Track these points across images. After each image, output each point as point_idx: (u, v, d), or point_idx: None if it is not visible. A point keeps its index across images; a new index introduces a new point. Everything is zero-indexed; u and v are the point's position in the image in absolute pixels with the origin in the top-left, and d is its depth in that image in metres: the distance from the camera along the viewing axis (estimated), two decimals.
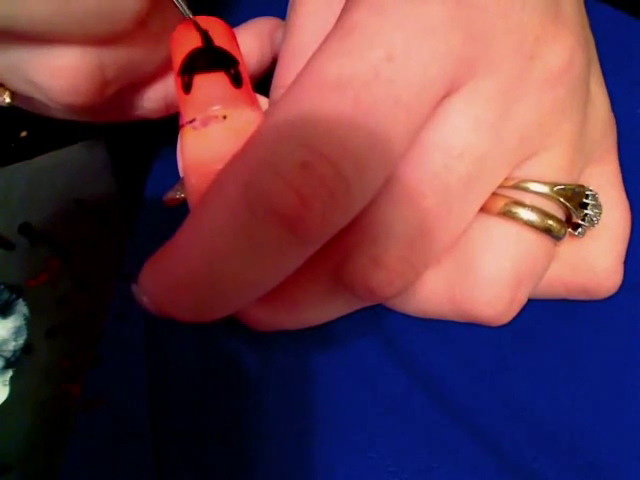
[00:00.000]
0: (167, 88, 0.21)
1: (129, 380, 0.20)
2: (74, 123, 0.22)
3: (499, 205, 0.16)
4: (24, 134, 0.31)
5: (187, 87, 0.15)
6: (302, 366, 0.19)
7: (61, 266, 0.30)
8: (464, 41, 0.14)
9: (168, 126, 0.20)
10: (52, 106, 0.18)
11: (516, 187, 0.16)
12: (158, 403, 0.19)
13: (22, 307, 0.29)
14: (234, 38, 0.16)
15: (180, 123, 0.15)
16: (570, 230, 0.17)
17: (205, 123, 0.14)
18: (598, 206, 0.17)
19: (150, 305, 0.13)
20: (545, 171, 0.16)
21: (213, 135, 0.14)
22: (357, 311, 0.18)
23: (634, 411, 0.18)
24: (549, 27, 0.15)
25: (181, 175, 0.16)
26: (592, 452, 0.18)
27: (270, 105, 0.18)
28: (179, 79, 0.15)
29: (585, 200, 0.17)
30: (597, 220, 0.17)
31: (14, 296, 0.29)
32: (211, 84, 0.15)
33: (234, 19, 0.20)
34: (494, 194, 0.16)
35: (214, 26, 0.16)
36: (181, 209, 0.16)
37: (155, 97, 0.21)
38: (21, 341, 0.28)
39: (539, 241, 0.16)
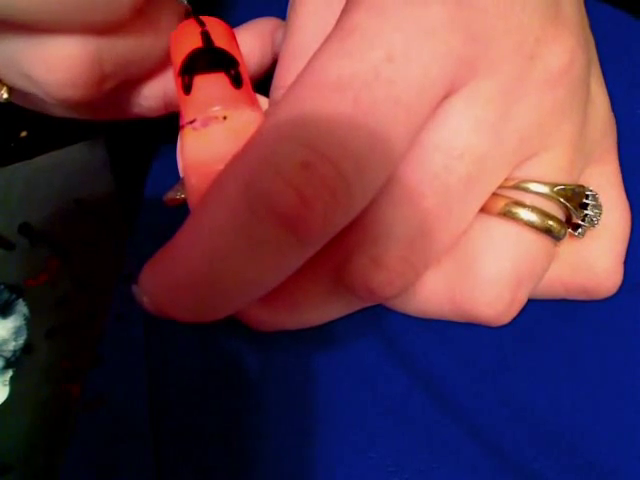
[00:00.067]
0: (166, 86, 0.21)
1: (129, 380, 0.20)
2: (74, 123, 0.22)
3: (499, 205, 0.16)
4: (24, 134, 0.31)
5: (187, 88, 0.15)
6: (302, 366, 0.19)
7: (61, 266, 0.30)
8: (464, 42, 0.14)
9: (168, 126, 0.20)
10: (50, 101, 0.18)
11: (516, 187, 0.16)
12: (158, 403, 0.19)
13: (22, 307, 0.29)
14: (234, 38, 0.16)
15: (180, 123, 0.15)
16: (570, 230, 0.17)
17: (205, 124, 0.14)
18: (598, 206, 0.17)
19: (150, 305, 0.13)
20: (545, 171, 0.16)
21: (213, 135, 0.14)
22: (357, 311, 0.18)
23: (634, 411, 0.18)
24: (549, 28, 0.15)
25: (181, 175, 0.16)
26: (592, 452, 0.18)
27: (270, 105, 0.18)
28: (179, 80, 0.15)
29: (585, 200, 0.17)
30: (597, 220, 0.17)
31: (14, 296, 0.29)
32: (211, 85, 0.15)
33: (234, 19, 0.20)
34: (494, 194, 0.16)
35: (214, 26, 0.16)
36: (181, 209, 0.16)
37: (154, 95, 0.21)
38: (21, 341, 0.28)
39: (539, 241, 0.16)
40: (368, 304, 0.18)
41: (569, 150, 0.16)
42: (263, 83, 0.20)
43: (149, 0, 0.16)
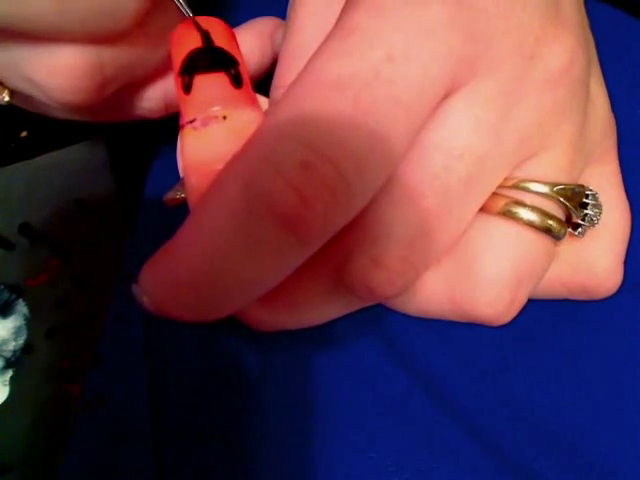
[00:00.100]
0: (166, 88, 0.21)
1: (129, 380, 0.20)
2: (74, 123, 0.22)
3: (499, 205, 0.16)
4: (24, 134, 0.31)
5: (187, 87, 0.15)
6: (302, 366, 0.19)
7: (61, 266, 0.30)
8: (464, 42, 0.14)
9: (168, 126, 0.20)
10: (51, 105, 0.18)
11: (516, 187, 0.16)
12: (158, 403, 0.19)
13: (22, 307, 0.29)
14: (234, 38, 0.16)
15: (180, 123, 0.15)
16: (570, 230, 0.17)
17: (205, 123, 0.14)
18: (598, 206, 0.17)
19: (150, 305, 0.13)
20: (545, 171, 0.16)
21: (213, 135, 0.14)
22: (357, 311, 0.18)
23: (634, 411, 0.18)
24: (549, 28, 0.15)
25: (181, 175, 0.16)
26: (592, 452, 0.18)
27: (270, 105, 0.18)
28: (179, 79, 0.15)
29: (585, 200, 0.17)
30: (597, 220, 0.17)
31: (14, 296, 0.29)
32: (211, 84, 0.15)
33: (234, 19, 0.20)
34: (494, 194, 0.16)
35: (214, 26, 0.16)
36: (181, 209, 0.16)
37: (154, 97, 0.21)
38: (21, 341, 0.28)
39: (539, 241, 0.16)
40: (368, 304, 0.18)
41: (569, 150, 0.16)
42: (263, 83, 0.20)
43: (151, 11, 0.16)
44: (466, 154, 0.14)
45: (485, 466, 0.17)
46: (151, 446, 0.18)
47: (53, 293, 0.29)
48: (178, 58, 0.15)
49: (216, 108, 0.15)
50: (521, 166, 0.16)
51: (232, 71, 0.15)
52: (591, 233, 0.17)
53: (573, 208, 0.16)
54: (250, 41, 0.20)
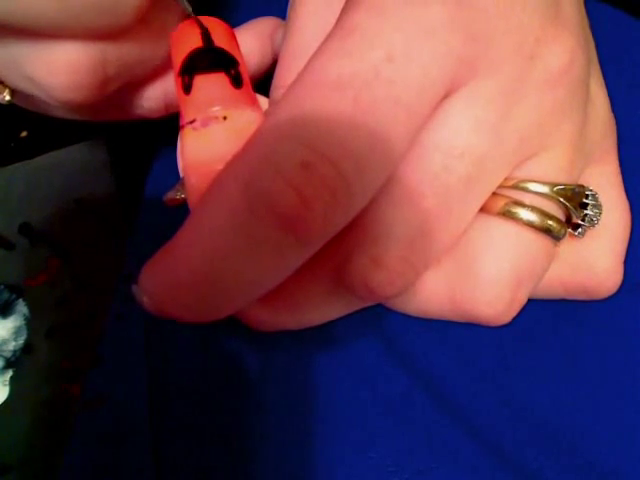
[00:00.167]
0: (166, 87, 0.21)
1: (129, 380, 0.20)
2: (74, 123, 0.22)
3: (499, 205, 0.16)
4: (24, 134, 0.31)
5: (187, 88, 0.15)
6: (303, 366, 0.19)
7: (61, 266, 0.30)
8: (464, 42, 0.14)
9: (168, 126, 0.20)
10: (52, 104, 0.18)
11: (516, 187, 0.16)
12: (158, 403, 0.19)
13: (22, 307, 0.29)
14: (234, 38, 0.16)
15: (180, 124, 0.15)
16: (570, 230, 0.17)
17: (205, 124, 0.14)
18: (598, 206, 0.17)
19: (150, 305, 0.13)
20: (545, 171, 0.16)
21: (213, 136, 0.14)
22: (357, 311, 0.18)
23: (634, 411, 0.18)
24: (549, 28, 0.15)
25: (181, 175, 0.16)
26: (592, 452, 0.18)
27: (270, 105, 0.18)
28: (179, 79, 0.15)
29: (585, 200, 0.17)
30: (597, 220, 0.17)
31: (14, 296, 0.29)
32: (211, 85, 0.15)
33: (234, 19, 0.20)
34: (494, 194, 0.16)
35: (214, 26, 0.16)
36: (181, 209, 0.16)
37: (154, 96, 0.21)
38: (21, 341, 0.28)
39: (539, 241, 0.16)
40: (368, 304, 0.18)
41: (569, 150, 0.16)
42: (263, 83, 0.20)
43: (152, 8, 0.16)
44: (466, 154, 0.14)
45: (485, 466, 0.18)
46: (151, 446, 0.19)
47: (53, 293, 0.29)
48: (178, 58, 0.15)
49: (216, 108, 0.15)
50: (521, 166, 0.16)
51: (232, 71, 0.15)
52: (591, 233, 0.17)
53: (573, 208, 0.16)
54: (250, 41, 0.20)
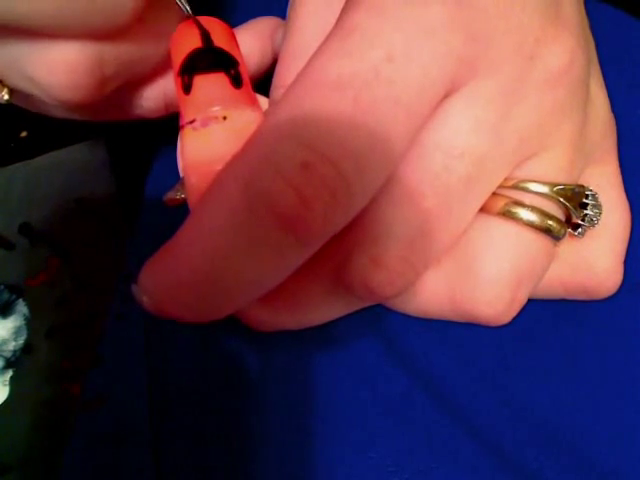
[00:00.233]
0: (166, 87, 0.21)
1: (129, 380, 0.20)
2: (74, 123, 0.22)
3: (499, 205, 0.16)
4: (24, 134, 0.31)
5: (187, 88, 0.15)
6: (302, 366, 0.19)
7: (61, 266, 0.30)
8: (464, 42, 0.14)
9: (168, 126, 0.20)
10: (51, 103, 0.18)
11: (516, 187, 0.16)
12: (158, 403, 0.19)
13: (22, 307, 0.29)
14: (234, 38, 0.16)
15: (180, 124, 0.15)
16: (570, 230, 0.17)
17: (205, 124, 0.14)
18: (598, 206, 0.17)
19: (150, 305, 0.13)
20: (545, 171, 0.16)
21: (213, 136, 0.14)
22: (357, 311, 0.18)
23: (634, 411, 0.18)
24: (549, 28, 0.15)
25: (181, 175, 0.16)
26: (592, 452, 0.18)
27: (270, 105, 0.18)
28: (179, 79, 0.15)
29: (585, 200, 0.17)
30: (597, 220, 0.17)
31: (14, 296, 0.29)
32: (211, 85, 0.15)
33: (234, 19, 0.20)
34: (494, 194, 0.16)
35: (214, 26, 0.16)
36: (181, 209, 0.16)
37: (154, 96, 0.21)
38: (21, 341, 0.28)
39: (539, 241, 0.16)
40: (368, 304, 0.18)
41: (569, 150, 0.16)
42: (263, 83, 0.20)
43: (151, 7, 0.16)
44: (466, 154, 0.14)
45: (485, 466, 0.18)
46: (151, 446, 0.19)
47: (53, 293, 0.29)
48: (178, 58, 0.15)
49: (216, 108, 0.15)
50: (521, 166, 0.16)
51: (232, 71, 0.15)
52: (591, 233, 0.17)
53: (573, 208, 0.16)
54: (250, 41, 0.20)
